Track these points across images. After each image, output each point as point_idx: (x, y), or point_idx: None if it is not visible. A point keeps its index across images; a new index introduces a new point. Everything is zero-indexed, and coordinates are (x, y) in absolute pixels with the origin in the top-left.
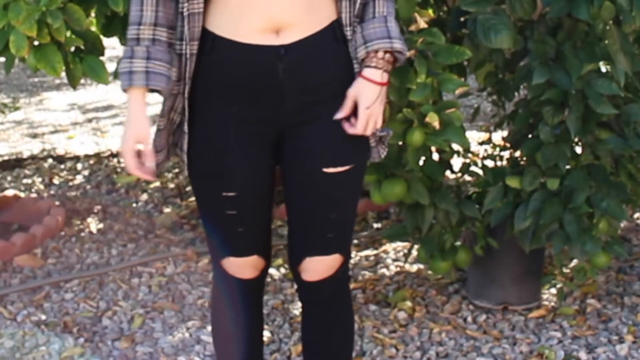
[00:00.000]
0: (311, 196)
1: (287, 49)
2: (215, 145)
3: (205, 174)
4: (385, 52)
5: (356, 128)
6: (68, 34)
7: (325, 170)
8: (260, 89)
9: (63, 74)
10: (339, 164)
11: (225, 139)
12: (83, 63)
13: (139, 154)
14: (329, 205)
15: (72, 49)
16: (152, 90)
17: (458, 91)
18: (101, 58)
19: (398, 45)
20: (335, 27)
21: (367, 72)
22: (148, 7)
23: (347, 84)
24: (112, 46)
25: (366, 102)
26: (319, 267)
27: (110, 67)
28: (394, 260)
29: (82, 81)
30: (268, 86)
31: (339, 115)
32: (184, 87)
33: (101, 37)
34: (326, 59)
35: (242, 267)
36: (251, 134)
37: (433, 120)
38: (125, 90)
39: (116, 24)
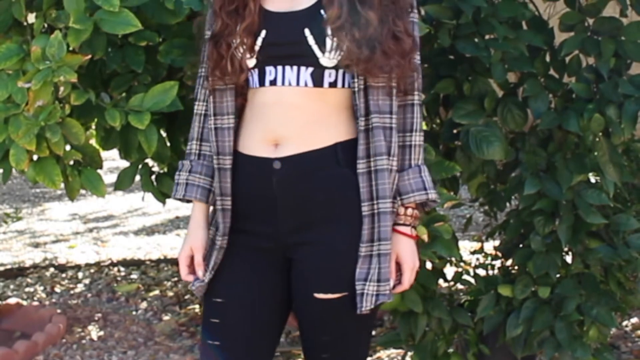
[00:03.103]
0: (304, 318)
1: (282, 163)
2: (221, 271)
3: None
4: (414, 208)
5: (403, 285)
6: (67, 147)
7: (317, 295)
8: (258, 202)
9: (63, 185)
10: (330, 290)
11: (231, 267)
12: (81, 176)
13: (192, 263)
14: (321, 329)
15: (71, 162)
16: None
17: (449, 203)
18: (101, 170)
19: (433, 195)
20: (338, 150)
21: (401, 228)
22: (196, 123)
23: (345, 209)
24: (112, 157)
25: (409, 260)
26: None
27: (111, 178)
28: None
29: (83, 192)
30: (264, 200)
31: (392, 282)
32: (218, 202)
33: (99, 150)
34: (323, 180)
35: None
36: (258, 265)
37: (422, 233)
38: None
39: (114, 137)
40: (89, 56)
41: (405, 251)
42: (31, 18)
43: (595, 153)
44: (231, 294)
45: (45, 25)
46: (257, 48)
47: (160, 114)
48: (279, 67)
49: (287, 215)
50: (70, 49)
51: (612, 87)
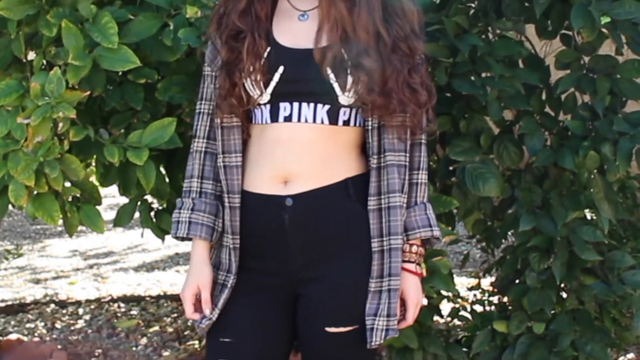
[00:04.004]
0: (312, 352)
1: (295, 200)
2: (227, 310)
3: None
4: (419, 245)
5: (407, 321)
6: (66, 183)
7: (328, 329)
8: (268, 240)
9: (62, 222)
10: (341, 324)
11: (238, 305)
12: (80, 212)
13: (198, 301)
14: None
15: (70, 198)
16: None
17: (447, 239)
18: (100, 206)
19: (437, 232)
20: (349, 185)
21: (407, 265)
22: (196, 161)
23: (356, 244)
24: (112, 194)
25: (413, 296)
26: None
27: (110, 215)
28: None
29: (83, 228)
30: (275, 237)
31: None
32: (229, 240)
33: (98, 186)
34: (334, 215)
35: None
36: (265, 303)
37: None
38: (177, 238)
39: (113, 174)
40: (88, 92)
41: (409, 288)
42: (31, 55)
43: (591, 190)
44: (240, 334)
45: (45, 62)
46: (273, 84)
47: (159, 151)
48: (295, 104)
49: (299, 252)
50: (70, 85)
51: (608, 125)
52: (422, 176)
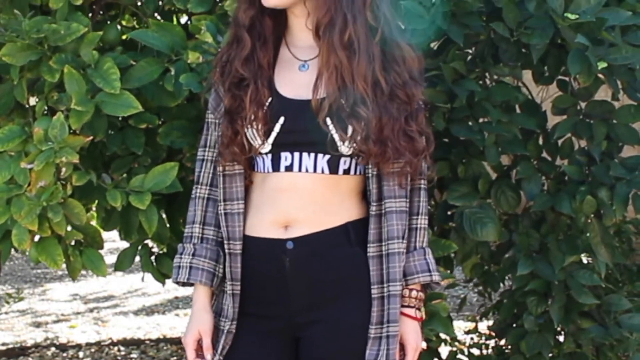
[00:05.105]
0: None
1: (295, 243)
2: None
3: None
4: (419, 290)
5: None
6: (68, 228)
7: None
8: (269, 284)
9: (64, 266)
10: None
11: (239, 350)
12: (82, 256)
13: (200, 346)
14: None
15: (72, 242)
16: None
17: (444, 282)
18: (101, 251)
19: (437, 277)
20: (350, 229)
21: (406, 310)
22: (198, 207)
23: (356, 288)
24: (112, 239)
25: (413, 341)
26: None
27: (111, 259)
28: None
29: (84, 272)
30: (276, 281)
31: None
32: (229, 287)
33: (101, 230)
34: (335, 258)
35: None
36: (266, 347)
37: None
38: (177, 283)
39: (115, 218)
40: (91, 138)
41: (409, 333)
42: (32, 101)
43: (588, 234)
44: None
45: (47, 107)
46: (274, 134)
47: (160, 195)
48: (296, 154)
49: (299, 295)
50: (72, 130)
51: (604, 170)
52: (422, 221)
